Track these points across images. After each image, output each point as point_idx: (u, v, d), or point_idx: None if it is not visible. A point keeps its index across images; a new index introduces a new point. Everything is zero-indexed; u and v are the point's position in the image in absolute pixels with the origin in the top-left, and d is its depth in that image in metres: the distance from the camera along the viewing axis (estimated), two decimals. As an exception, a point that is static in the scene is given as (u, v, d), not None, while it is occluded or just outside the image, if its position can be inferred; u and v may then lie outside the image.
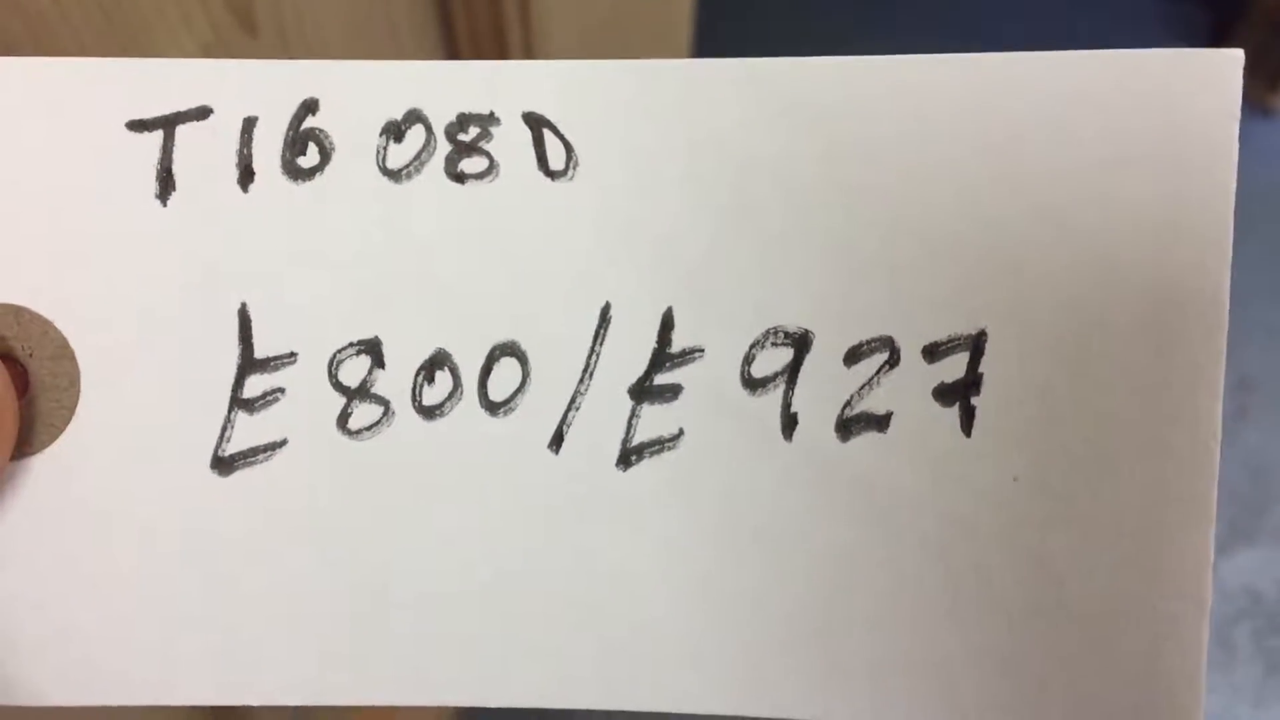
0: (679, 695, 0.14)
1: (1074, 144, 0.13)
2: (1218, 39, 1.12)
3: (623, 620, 0.14)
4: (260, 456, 0.14)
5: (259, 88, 0.13)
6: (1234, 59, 0.13)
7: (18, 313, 0.14)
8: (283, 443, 0.14)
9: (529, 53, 0.39)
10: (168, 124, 0.14)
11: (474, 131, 0.14)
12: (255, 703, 0.14)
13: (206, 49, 0.29)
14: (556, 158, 0.14)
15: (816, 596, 0.14)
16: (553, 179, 0.14)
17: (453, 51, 0.39)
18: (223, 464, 0.14)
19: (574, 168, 0.14)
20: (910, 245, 0.13)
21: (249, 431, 0.14)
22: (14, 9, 0.23)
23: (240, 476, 0.14)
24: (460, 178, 0.14)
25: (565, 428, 0.14)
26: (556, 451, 0.14)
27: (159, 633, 0.14)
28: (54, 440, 0.14)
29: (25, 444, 0.14)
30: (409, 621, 0.14)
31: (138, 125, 0.14)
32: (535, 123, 0.14)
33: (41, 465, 0.14)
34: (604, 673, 0.14)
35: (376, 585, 0.14)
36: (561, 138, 0.14)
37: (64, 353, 0.14)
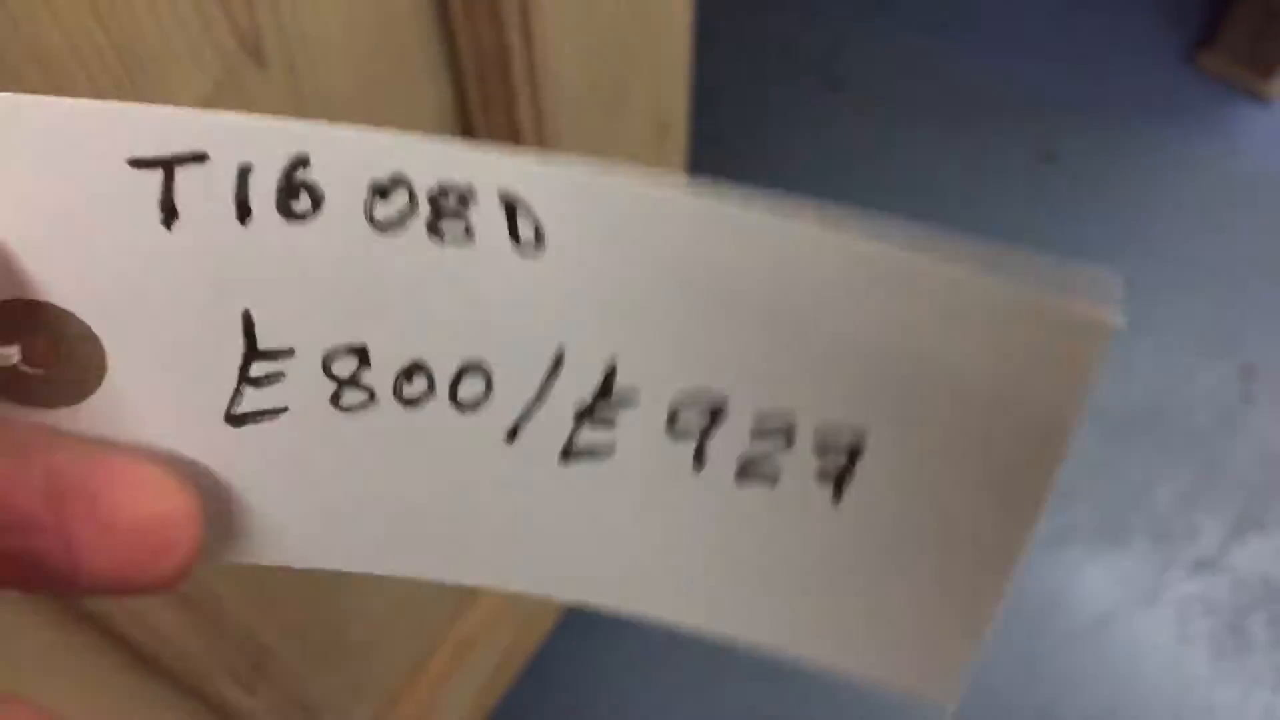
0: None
1: (956, 340, 0.15)
2: (1211, 25, 1.12)
3: (557, 562, 0.18)
4: (266, 416, 0.16)
5: (252, 142, 0.14)
6: (1104, 328, 0.14)
7: (40, 306, 0.15)
8: (284, 409, 0.16)
9: (532, 76, 0.40)
10: (167, 164, 0.15)
11: (454, 199, 0.15)
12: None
13: (217, 83, 0.29)
14: (527, 233, 0.15)
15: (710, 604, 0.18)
16: (522, 253, 0.15)
17: (458, 77, 0.40)
18: (234, 419, 0.16)
19: (542, 244, 0.15)
20: (819, 366, 0.16)
21: (255, 401, 0.16)
22: (31, 57, 0.23)
23: (250, 429, 0.16)
24: (440, 235, 0.15)
25: (519, 427, 0.17)
26: (511, 442, 0.17)
27: None
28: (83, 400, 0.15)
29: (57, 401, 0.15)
30: (383, 528, 0.17)
31: (138, 163, 0.15)
32: (510, 201, 0.15)
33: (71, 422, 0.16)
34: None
35: (361, 512, 0.17)
36: (532, 217, 0.15)
37: (88, 334, 0.15)
